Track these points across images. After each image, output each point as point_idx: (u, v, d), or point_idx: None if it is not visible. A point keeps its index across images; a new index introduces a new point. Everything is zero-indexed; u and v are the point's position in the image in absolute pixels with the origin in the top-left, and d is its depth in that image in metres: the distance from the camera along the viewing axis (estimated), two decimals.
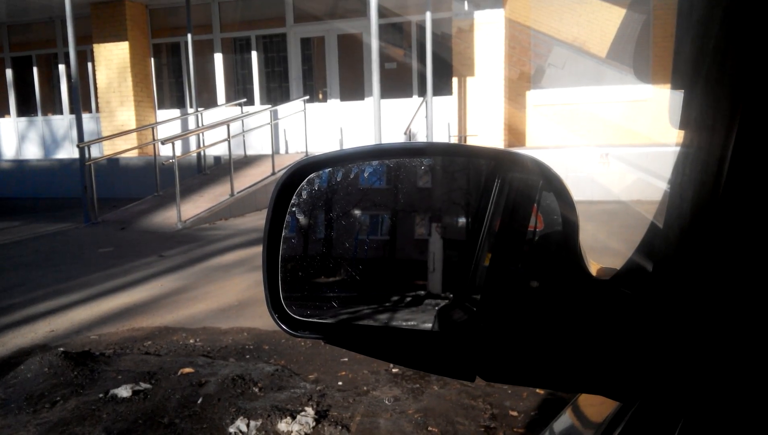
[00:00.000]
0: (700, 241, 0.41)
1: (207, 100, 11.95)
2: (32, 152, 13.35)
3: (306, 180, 0.66)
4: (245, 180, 9.31)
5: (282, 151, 11.36)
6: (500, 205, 0.66)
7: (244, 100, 11.54)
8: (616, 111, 9.96)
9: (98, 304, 4.49)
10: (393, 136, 9.70)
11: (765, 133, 0.37)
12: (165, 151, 9.76)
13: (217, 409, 2.65)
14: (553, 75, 10.61)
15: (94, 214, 8.26)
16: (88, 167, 8.29)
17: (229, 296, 4.56)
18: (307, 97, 10.86)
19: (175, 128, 11.21)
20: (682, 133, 0.44)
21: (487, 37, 10.01)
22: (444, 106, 10.37)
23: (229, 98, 11.99)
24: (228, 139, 9.01)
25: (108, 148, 10.77)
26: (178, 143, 8.98)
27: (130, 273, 5.46)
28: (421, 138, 9.88)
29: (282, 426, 2.47)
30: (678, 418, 0.43)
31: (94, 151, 8.89)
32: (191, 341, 3.62)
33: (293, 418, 2.52)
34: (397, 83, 10.85)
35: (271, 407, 2.62)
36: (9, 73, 13.49)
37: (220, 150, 10.22)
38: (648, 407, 0.48)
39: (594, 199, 8.09)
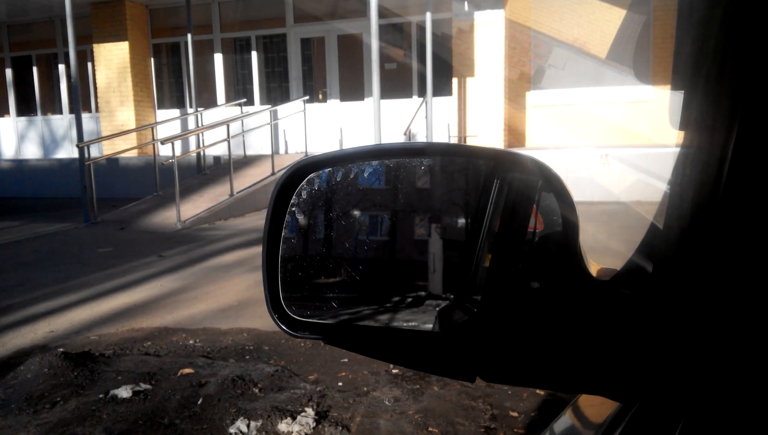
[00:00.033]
0: (700, 242, 0.41)
1: (207, 100, 11.95)
2: (32, 152, 13.35)
3: (306, 180, 0.66)
4: (245, 180, 9.31)
5: (282, 151, 11.36)
6: (500, 206, 0.66)
7: (244, 100, 11.54)
8: (616, 112, 9.96)
9: (98, 305, 4.48)
10: (393, 136, 9.70)
11: (765, 133, 0.37)
12: (165, 151, 9.76)
13: (217, 410, 2.65)
14: (553, 76, 10.62)
15: (93, 214, 8.26)
16: (88, 167, 8.29)
17: (229, 296, 4.56)
18: (307, 98, 10.86)
19: (174, 128, 11.21)
20: (682, 133, 0.44)
21: (488, 37, 10.01)
22: (444, 106, 10.37)
23: (229, 98, 11.99)
24: (228, 139, 9.01)
25: (107, 148, 10.77)
26: (178, 143, 8.98)
27: (130, 273, 5.46)
28: (420, 138, 9.88)
29: (282, 426, 2.47)
30: (678, 418, 0.43)
31: (94, 151, 8.89)
32: (191, 342, 3.62)
33: (293, 418, 2.52)
34: (397, 84, 10.86)
35: (272, 408, 2.62)
36: (9, 72, 13.49)
37: (220, 150, 10.22)
38: (648, 408, 0.48)
39: (594, 200, 8.09)
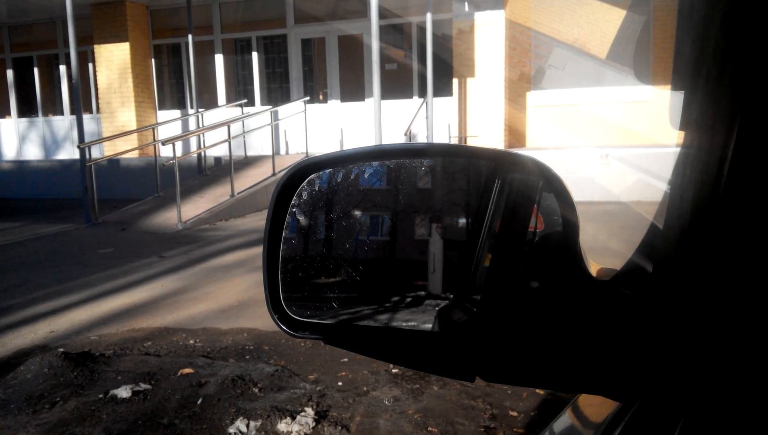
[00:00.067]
0: (701, 242, 0.41)
1: (207, 100, 11.96)
2: (33, 153, 13.36)
3: (306, 181, 0.66)
4: (246, 181, 9.31)
5: (282, 151, 11.36)
6: (500, 206, 0.66)
7: (245, 100, 11.55)
8: (616, 112, 9.96)
9: (98, 305, 4.49)
10: (393, 137, 9.70)
11: (765, 133, 0.37)
12: (165, 151, 9.76)
13: (216, 410, 2.65)
14: (553, 76, 10.62)
15: (94, 214, 8.26)
16: (89, 168, 8.29)
17: (229, 297, 4.56)
18: (308, 98, 10.86)
19: (175, 129, 11.22)
20: (682, 133, 0.44)
21: (488, 38, 10.02)
22: (444, 107, 10.37)
23: (230, 99, 12.00)
24: (228, 140, 9.02)
25: (108, 149, 10.77)
26: (179, 144, 8.99)
27: (131, 274, 5.46)
28: (421, 139, 9.88)
29: (282, 426, 2.47)
30: (678, 418, 0.43)
31: (95, 152, 8.90)
32: (191, 342, 3.62)
33: (293, 418, 2.52)
34: (397, 84, 10.86)
35: (271, 408, 2.62)
36: (10, 73, 13.50)
37: (221, 151, 10.23)
38: (648, 407, 0.48)
39: (594, 200, 8.09)
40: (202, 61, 11.80)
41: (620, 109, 9.97)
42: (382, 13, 8.88)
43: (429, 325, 0.63)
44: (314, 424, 2.49)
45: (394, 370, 3.06)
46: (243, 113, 10.84)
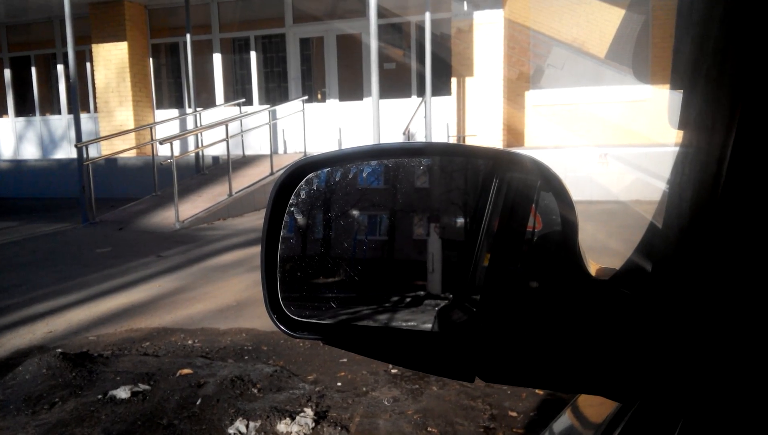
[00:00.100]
0: (700, 241, 0.41)
1: (205, 100, 11.95)
2: (30, 152, 13.34)
3: (304, 180, 0.66)
4: (244, 180, 9.30)
5: (281, 151, 11.36)
6: (499, 206, 0.66)
7: (243, 100, 11.54)
8: (615, 111, 9.97)
9: (96, 305, 4.48)
10: (392, 136, 9.70)
11: (764, 133, 0.37)
12: (163, 151, 9.75)
13: (216, 410, 2.65)
14: (552, 75, 10.62)
15: (92, 214, 8.25)
16: (86, 167, 8.28)
17: (228, 297, 4.55)
18: (306, 98, 10.86)
19: (173, 128, 11.20)
20: (681, 133, 0.44)
21: (486, 37, 10.02)
22: (443, 106, 10.37)
23: (228, 98, 11.99)
24: (226, 139, 9.01)
25: (106, 148, 10.76)
26: (177, 143, 8.97)
27: (128, 273, 5.46)
28: (419, 138, 9.88)
29: (281, 427, 2.46)
30: (678, 418, 0.43)
31: (92, 151, 8.90)
32: (190, 342, 3.62)
33: (292, 419, 2.52)
34: (396, 83, 10.86)
35: (270, 408, 2.61)
36: (7, 73, 13.48)
37: (219, 150, 10.22)
38: (648, 407, 0.48)
39: (593, 199, 8.10)
40: (200, 61, 11.79)
41: (619, 108, 9.98)
42: (381, 13, 8.88)
43: (428, 325, 0.63)
44: (313, 424, 2.49)
45: (393, 371, 3.06)
46: (241, 112, 10.83)
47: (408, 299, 0.66)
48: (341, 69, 11.42)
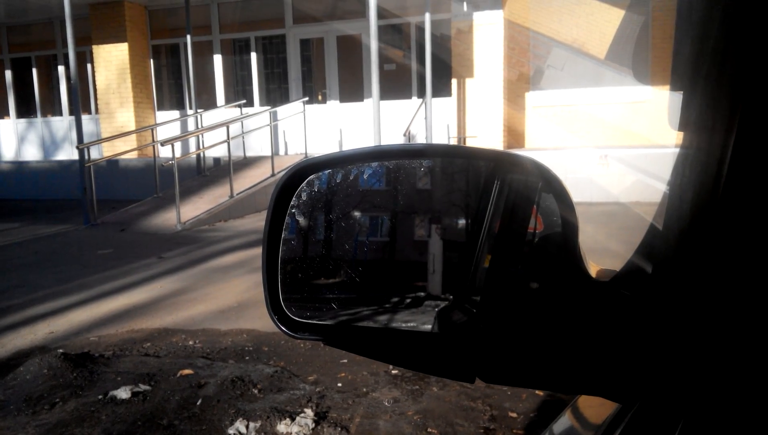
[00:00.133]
0: (700, 243, 0.41)
1: (206, 101, 11.96)
2: (32, 154, 13.35)
3: (306, 181, 0.66)
4: (245, 181, 9.30)
5: (281, 152, 11.36)
6: (500, 207, 0.66)
7: (244, 101, 11.54)
8: (615, 112, 9.97)
9: (98, 306, 4.48)
10: (392, 137, 9.70)
11: (764, 134, 0.37)
12: (164, 152, 9.76)
13: (216, 411, 2.65)
14: (552, 76, 10.62)
15: (93, 215, 8.26)
16: (88, 169, 8.28)
17: (229, 298, 4.56)
18: (307, 99, 10.86)
19: (174, 130, 11.21)
20: (681, 134, 0.44)
21: (486, 38, 10.02)
22: (443, 107, 10.37)
23: (229, 100, 11.99)
24: (227, 141, 9.01)
25: (107, 150, 10.76)
26: (178, 145, 8.98)
27: (130, 274, 5.46)
28: (420, 139, 9.88)
29: (281, 427, 2.46)
30: (678, 419, 0.43)
31: (94, 153, 8.89)
32: (190, 343, 3.62)
33: (292, 419, 2.52)
34: (396, 84, 10.86)
35: (271, 409, 2.61)
36: (8, 74, 13.49)
37: (220, 151, 10.22)
38: (648, 408, 0.48)
39: (593, 201, 8.09)
40: (200, 62, 11.80)
41: (619, 109, 9.98)
42: (381, 14, 8.88)
43: (429, 326, 0.63)
44: (314, 425, 2.49)
45: (393, 371, 3.06)
46: (242, 114, 10.84)
47: (408, 300, 0.66)
48: (342, 70, 11.43)
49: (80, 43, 9.58)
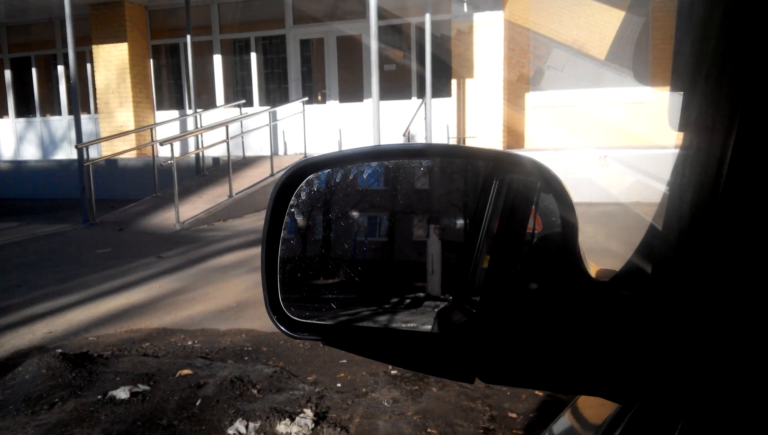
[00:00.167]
0: (700, 243, 0.41)
1: (206, 101, 11.95)
2: (31, 153, 13.34)
3: (305, 181, 0.66)
4: (244, 181, 9.30)
5: (281, 152, 11.36)
6: (499, 207, 0.66)
7: (243, 101, 11.54)
8: (615, 113, 9.98)
9: (96, 306, 4.48)
10: (392, 137, 9.71)
11: (765, 134, 0.37)
12: (164, 152, 9.76)
13: (215, 411, 2.64)
14: (552, 77, 10.63)
15: (92, 215, 8.25)
16: (87, 168, 8.28)
17: (228, 298, 4.55)
18: (306, 99, 10.86)
19: (173, 129, 11.21)
20: (681, 134, 0.44)
21: (487, 39, 10.03)
22: (443, 107, 10.38)
23: (228, 99, 11.99)
24: (227, 141, 9.01)
25: (106, 149, 10.76)
26: (177, 144, 8.98)
27: (129, 274, 5.46)
28: (419, 139, 9.88)
29: (281, 428, 2.46)
30: (678, 419, 0.43)
31: (93, 152, 8.90)
32: (189, 343, 3.61)
33: (292, 419, 2.52)
34: (396, 85, 10.86)
35: (270, 409, 2.61)
36: (8, 74, 13.49)
37: (219, 151, 10.22)
38: (647, 409, 0.48)
39: (593, 201, 8.10)
40: (200, 62, 11.79)
41: (619, 110, 9.99)
42: (381, 14, 8.88)
43: (428, 327, 0.63)
44: (313, 425, 2.49)
45: (393, 372, 3.06)
46: (241, 114, 10.83)
47: (408, 300, 0.66)
48: (341, 70, 11.43)
49: (80, 43, 9.58)
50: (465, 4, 10.00)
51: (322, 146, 10.81)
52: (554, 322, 0.54)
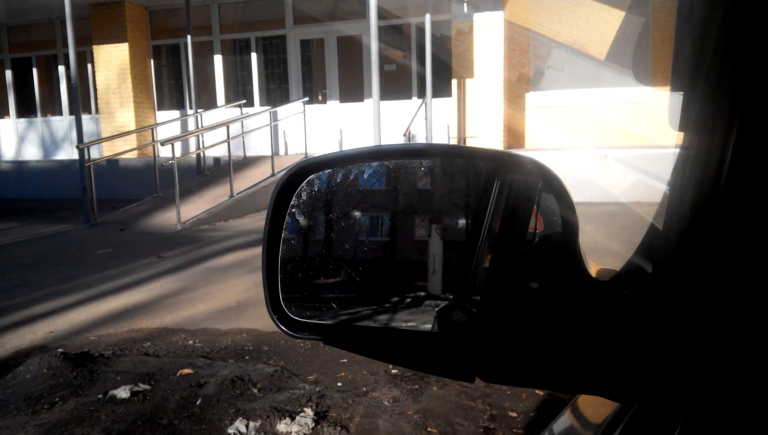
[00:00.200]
0: (700, 243, 0.41)
1: (206, 101, 11.96)
2: (32, 153, 13.35)
3: (306, 181, 0.66)
4: (245, 181, 9.31)
5: (281, 152, 11.36)
6: (500, 207, 0.66)
7: (244, 101, 11.55)
8: (615, 113, 9.97)
9: (97, 305, 4.48)
10: (392, 137, 9.71)
11: (765, 134, 0.37)
12: (164, 152, 9.76)
13: (216, 410, 2.65)
14: (552, 77, 10.62)
15: (93, 215, 8.26)
16: (88, 168, 8.28)
17: (229, 297, 4.56)
18: (307, 99, 10.87)
19: (174, 129, 11.21)
20: (681, 134, 0.44)
21: (487, 39, 10.02)
22: (443, 107, 10.38)
23: (229, 100, 11.99)
24: (227, 141, 9.01)
25: (107, 150, 10.76)
26: (178, 144, 8.98)
27: (130, 274, 5.46)
28: (420, 139, 9.88)
29: (281, 427, 2.46)
30: (677, 418, 0.43)
31: (94, 153, 8.89)
32: (190, 342, 3.62)
33: (292, 419, 2.52)
34: (396, 85, 10.86)
35: (271, 408, 2.61)
36: (9, 74, 13.49)
37: (220, 151, 10.22)
38: (647, 408, 0.48)
39: (593, 201, 8.09)
40: (201, 62, 11.80)
41: (619, 110, 9.98)
42: (381, 14, 8.88)
43: (429, 326, 0.63)
44: (313, 424, 2.49)
45: (393, 371, 3.06)
46: (242, 114, 10.84)
47: (408, 300, 0.66)
48: (342, 70, 11.43)
49: (80, 43, 9.58)
50: (465, 5, 10.00)
51: (322, 146, 10.81)
52: (555, 322, 0.54)
